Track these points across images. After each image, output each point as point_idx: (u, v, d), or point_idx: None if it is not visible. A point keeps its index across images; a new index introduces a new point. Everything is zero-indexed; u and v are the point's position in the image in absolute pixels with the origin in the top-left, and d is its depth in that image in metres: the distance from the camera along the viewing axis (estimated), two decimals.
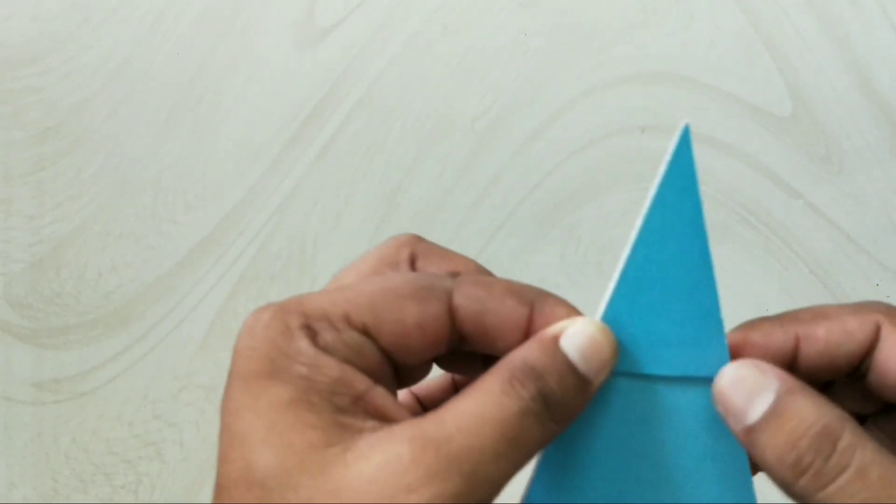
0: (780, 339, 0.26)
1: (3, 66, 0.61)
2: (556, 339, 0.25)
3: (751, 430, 0.24)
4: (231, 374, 0.24)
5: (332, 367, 0.23)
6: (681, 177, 0.26)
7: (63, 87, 0.61)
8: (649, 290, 0.26)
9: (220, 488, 0.23)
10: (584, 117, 0.57)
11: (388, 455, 0.22)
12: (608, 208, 0.56)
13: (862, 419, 0.28)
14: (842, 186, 0.55)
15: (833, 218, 0.55)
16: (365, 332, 0.25)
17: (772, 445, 0.24)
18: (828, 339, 0.26)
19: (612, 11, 0.57)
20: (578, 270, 0.56)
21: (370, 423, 0.23)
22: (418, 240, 0.29)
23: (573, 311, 0.26)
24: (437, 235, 0.58)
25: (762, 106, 0.55)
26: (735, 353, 0.26)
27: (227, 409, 0.24)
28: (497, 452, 0.23)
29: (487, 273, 0.28)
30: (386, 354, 0.25)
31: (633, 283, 0.26)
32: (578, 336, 0.25)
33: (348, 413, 0.23)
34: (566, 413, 0.24)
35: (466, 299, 0.26)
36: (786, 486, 0.24)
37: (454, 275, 0.27)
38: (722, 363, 0.26)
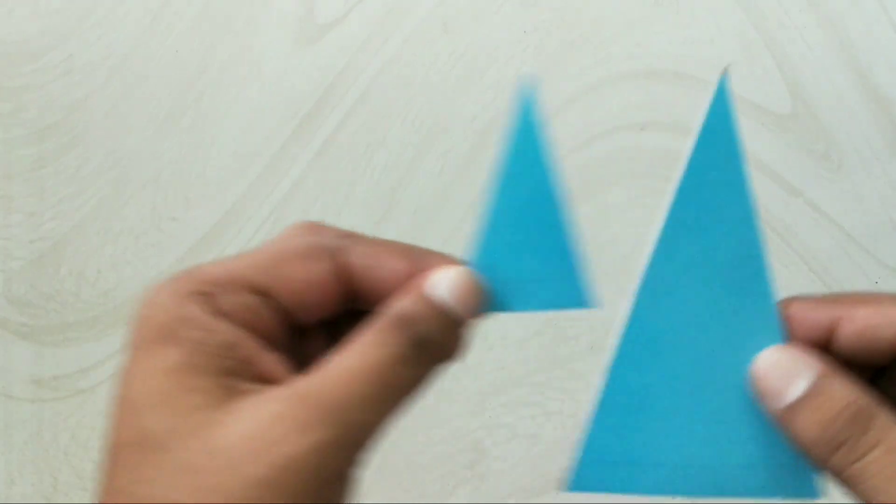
0: (819, 315, 0.27)
1: (3, 64, 0.61)
2: (428, 287, 0.26)
3: (787, 411, 0.25)
4: (127, 344, 0.25)
5: (222, 331, 0.24)
6: (526, 121, 0.27)
7: (63, 85, 0.61)
8: (510, 234, 0.27)
9: (109, 453, 0.24)
10: (583, 115, 0.57)
11: (264, 412, 0.23)
12: (608, 205, 0.56)
13: None
14: (841, 184, 0.55)
15: (832, 216, 0.55)
16: (259, 292, 0.26)
17: (808, 425, 0.25)
18: (867, 323, 0.26)
19: (611, 9, 0.57)
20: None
21: (256, 386, 0.24)
22: (317, 223, 0.29)
23: (458, 263, 0.28)
24: (437, 232, 0.58)
25: (762, 104, 0.55)
26: (790, 322, 0.27)
27: (121, 377, 0.25)
28: (370, 399, 0.24)
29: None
30: (283, 314, 0.26)
31: (494, 230, 0.28)
32: (445, 281, 0.26)
33: (235, 376, 0.24)
34: (443, 353, 0.26)
35: (357, 257, 0.27)
36: (820, 463, 0.25)
37: (347, 236, 0.28)
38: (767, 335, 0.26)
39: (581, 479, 0.27)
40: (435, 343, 0.25)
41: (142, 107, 0.60)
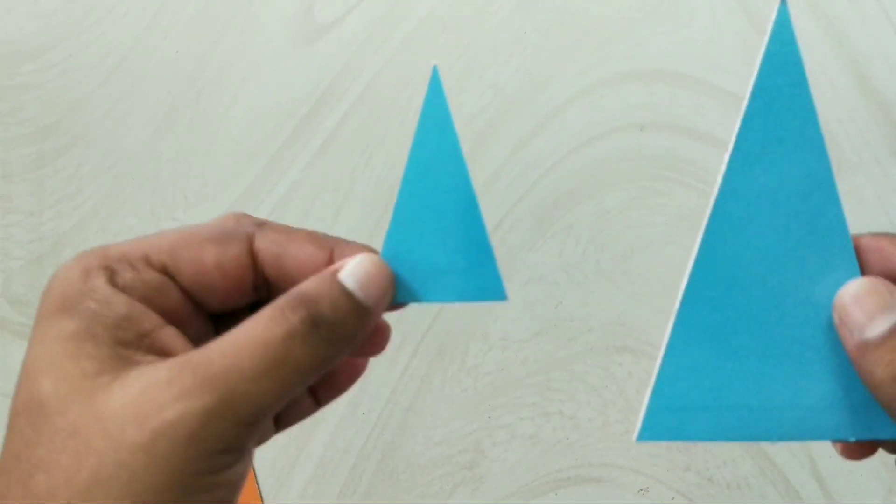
0: None
1: (2, 63, 0.61)
2: (334, 272, 0.26)
3: (866, 345, 0.25)
4: (36, 315, 0.25)
5: (121, 304, 0.25)
6: (434, 114, 0.28)
7: (62, 84, 0.61)
8: (421, 225, 0.28)
9: (9, 419, 0.24)
10: (582, 115, 0.57)
11: (149, 380, 0.23)
12: (607, 206, 0.56)
13: None
14: (840, 185, 0.55)
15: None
16: (164, 271, 0.26)
17: (885, 362, 0.24)
18: None
19: (611, 9, 0.57)
20: (577, 268, 0.56)
21: (150, 358, 0.24)
22: (244, 214, 0.30)
23: (365, 251, 0.28)
24: None
25: None
26: (862, 254, 0.26)
27: (28, 346, 0.25)
28: (257, 372, 0.24)
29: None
30: (188, 295, 0.26)
31: (405, 221, 0.28)
32: (355, 268, 0.27)
33: (130, 347, 0.24)
34: (342, 335, 0.26)
35: (266, 242, 0.27)
36: (889, 404, 0.24)
37: (261, 224, 0.28)
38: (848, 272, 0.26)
39: (652, 427, 0.27)
40: (333, 324, 0.25)
41: (141, 106, 0.60)
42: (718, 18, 0.56)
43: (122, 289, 0.25)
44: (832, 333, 0.26)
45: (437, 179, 0.28)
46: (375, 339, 0.30)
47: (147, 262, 0.26)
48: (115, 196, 0.60)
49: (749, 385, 0.26)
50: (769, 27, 0.25)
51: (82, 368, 0.23)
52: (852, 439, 0.27)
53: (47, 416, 0.23)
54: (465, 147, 0.59)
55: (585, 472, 0.56)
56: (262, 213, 0.59)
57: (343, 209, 0.58)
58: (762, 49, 0.26)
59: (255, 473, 0.57)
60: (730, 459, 0.54)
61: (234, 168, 0.59)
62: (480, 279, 0.28)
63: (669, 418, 0.27)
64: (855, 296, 0.26)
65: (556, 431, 0.56)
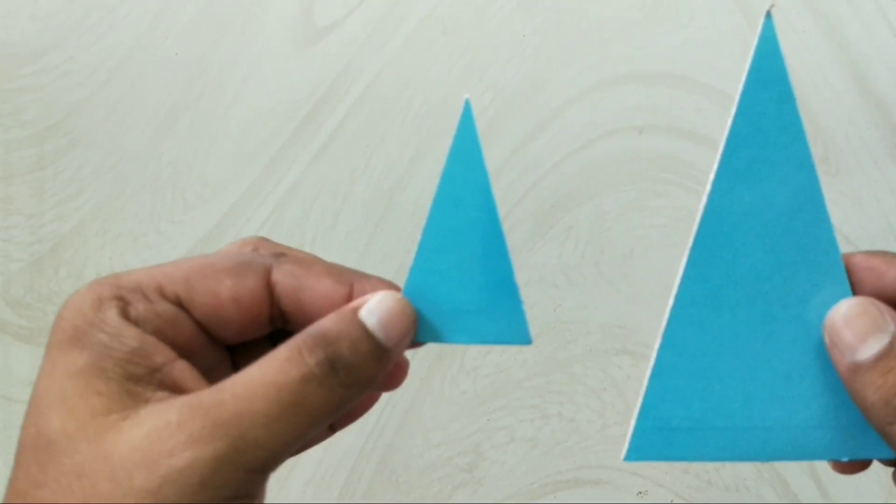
0: None
1: (2, 65, 0.61)
2: (355, 311, 0.25)
3: (858, 367, 0.24)
4: (47, 344, 0.25)
5: (132, 337, 0.24)
6: (465, 148, 0.27)
7: (62, 86, 0.61)
8: (446, 263, 0.27)
9: (16, 453, 0.24)
10: (582, 117, 0.57)
11: (159, 422, 0.22)
12: (606, 208, 0.56)
13: None
14: (839, 187, 0.55)
15: (831, 220, 0.55)
16: (178, 303, 0.25)
17: (877, 385, 0.24)
18: None
19: (610, 11, 0.57)
20: (576, 270, 0.56)
21: (160, 394, 0.23)
22: (263, 239, 0.29)
23: (392, 289, 0.27)
24: None
25: None
26: (853, 273, 0.26)
27: (37, 377, 0.24)
28: (270, 417, 0.23)
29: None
30: (201, 327, 0.26)
31: (430, 258, 0.27)
32: (377, 306, 0.26)
33: (141, 383, 0.23)
34: (361, 378, 0.25)
35: (284, 276, 0.26)
36: (881, 426, 0.24)
37: (279, 255, 0.27)
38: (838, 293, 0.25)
39: (640, 448, 0.26)
40: (352, 366, 0.24)
41: (141, 108, 0.60)
42: (718, 20, 0.56)
43: (135, 321, 0.24)
44: (822, 353, 0.26)
45: (465, 216, 0.27)
46: (394, 374, 0.29)
47: (161, 293, 0.25)
48: (115, 198, 0.60)
49: (738, 405, 0.26)
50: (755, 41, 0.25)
51: (91, 406, 0.23)
52: (844, 459, 0.26)
53: (54, 454, 0.23)
54: None
55: (584, 475, 0.56)
56: (262, 215, 0.59)
57: (343, 210, 0.58)
58: (747, 64, 0.25)
59: None
60: (728, 462, 0.54)
61: (234, 169, 0.59)
62: (505, 321, 0.27)
63: (657, 439, 0.26)
64: (846, 317, 0.25)
65: (556, 433, 0.56)
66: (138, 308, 0.25)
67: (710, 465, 0.54)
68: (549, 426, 0.56)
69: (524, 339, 0.28)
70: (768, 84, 0.26)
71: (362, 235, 0.58)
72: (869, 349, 0.24)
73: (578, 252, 0.56)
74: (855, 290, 0.26)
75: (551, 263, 0.56)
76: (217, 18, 0.60)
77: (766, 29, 0.25)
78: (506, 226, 0.58)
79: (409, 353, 0.58)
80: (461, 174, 0.27)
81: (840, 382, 0.25)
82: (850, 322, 0.25)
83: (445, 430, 0.56)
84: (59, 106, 0.61)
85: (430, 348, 0.56)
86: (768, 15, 0.25)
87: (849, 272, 0.26)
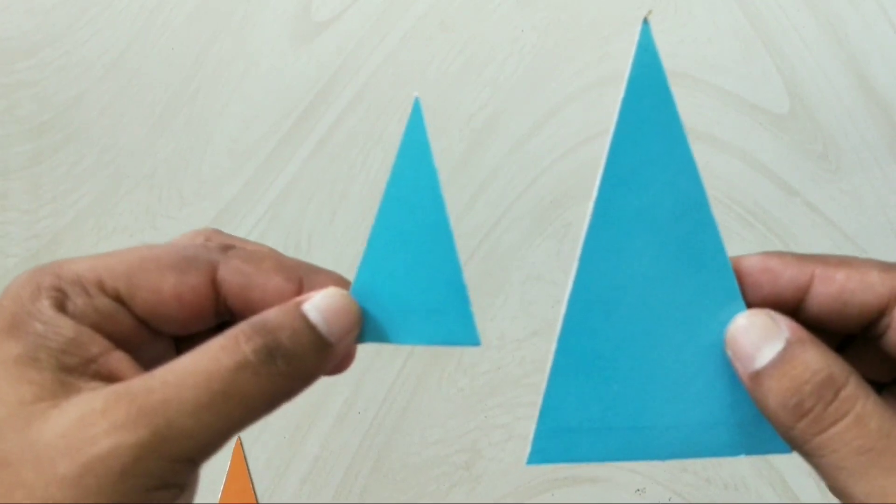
0: (795, 271, 0.26)
1: None
2: (298, 304, 0.25)
3: (757, 375, 0.25)
4: None
5: (67, 328, 0.24)
6: (414, 147, 0.27)
7: (58, 82, 0.60)
8: (394, 262, 0.27)
9: None
10: (580, 114, 0.56)
11: (85, 409, 0.22)
12: None
13: (879, 388, 0.28)
14: (839, 184, 0.55)
15: (830, 216, 0.55)
16: (118, 298, 0.25)
17: (775, 390, 0.24)
18: (844, 285, 0.26)
19: (609, 8, 0.56)
20: (574, 267, 0.56)
21: (94, 384, 0.23)
22: (215, 231, 0.28)
23: (343, 285, 0.27)
24: None
25: (760, 103, 0.55)
26: (750, 275, 0.26)
27: None
28: (199, 405, 0.22)
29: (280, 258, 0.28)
30: (143, 322, 0.25)
31: (378, 257, 0.27)
32: (321, 301, 0.25)
33: (75, 373, 0.23)
34: (300, 369, 0.24)
35: (231, 273, 0.26)
36: (784, 431, 0.24)
37: (227, 248, 0.27)
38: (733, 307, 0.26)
39: (541, 451, 0.27)
40: (291, 356, 0.24)
41: (137, 104, 0.60)
42: (716, 18, 0.55)
43: (72, 315, 0.24)
44: (715, 353, 0.26)
45: (414, 216, 0.27)
46: (341, 361, 0.28)
47: (101, 287, 0.25)
48: (111, 193, 0.60)
49: (636, 406, 0.26)
50: (633, 50, 0.25)
51: (21, 394, 0.23)
52: (743, 455, 0.27)
53: None
54: (463, 147, 0.59)
55: (582, 472, 0.55)
56: (258, 212, 0.59)
57: (340, 207, 0.58)
58: (627, 73, 0.26)
59: (249, 473, 0.57)
60: (726, 460, 0.54)
61: (230, 166, 0.59)
62: (453, 322, 0.27)
63: (558, 441, 0.27)
64: (742, 328, 0.26)
65: None
66: (76, 302, 0.24)
67: (708, 463, 0.54)
68: None
69: (472, 340, 0.27)
70: (648, 91, 0.26)
71: (359, 233, 0.58)
72: (764, 356, 0.25)
73: (576, 249, 0.56)
74: (753, 292, 0.27)
75: (549, 260, 0.56)
76: (214, 14, 0.59)
77: (644, 36, 0.25)
78: (504, 223, 0.58)
79: (405, 351, 0.58)
80: (410, 174, 0.27)
81: (736, 381, 0.26)
82: (746, 332, 0.25)
83: (443, 428, 0.56)
84: (55, 101, 0.60)
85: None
86: (645, 22, 0.25)
87: (746, 274, 0.27)
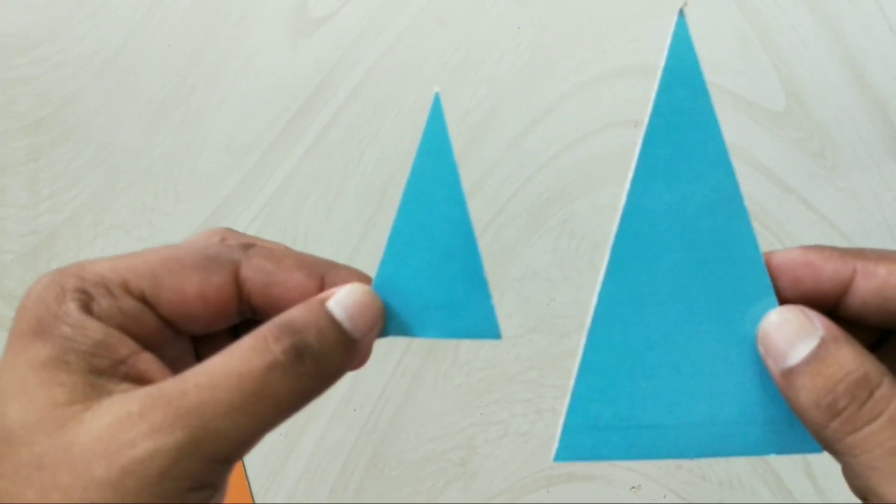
0: (838, 265, 0.26)
1: None
2: (322, 301, 0.25)
3: (790, 372, 0.24)
4: (10, 333, 0.24)
5: (96, 330, 0.24)
6: (434, 143, 0.27)
7: (55, 78, 0.60)
8: (415, 257, 0.27)
9: None
10: (577, 111, 0.56)
11: (120, 412, 0.22)
12: (601, 202, 0.56)
13: None
14: (835, 182, 0.55)
15: (826, 214, 0.55)
16: (143, 299, 0.25)
17: (808, 388, 0.24)
18: (886, 280, 0.25)
19: (606, 5, 0.56)
20: (570, 264, 0.56)
21: (124, 386, 0.23)
22: (229, 230, 0.28)
23: (364, 280, 0.27)
24: None
25: (756, 101, 0.55)
26: (791, 270, 0.26)
27: None
28: (233, 406, 0.23)
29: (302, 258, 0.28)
30: (166, 322, 0.25)
31: (399, 252, 0.27)
32: (345, 297, 0.25)
33: (105, 375, 0.23)
34: (328, 367, 0.25)
35: (253, 271, 0.26)
36: (816, 430, 0.24)
37: (248, 247, 0.27)
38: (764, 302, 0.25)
39: (568, 448, 0.27)
40: (318, 355, 0.24)
41: (134, 100, 0.60)
42: (714, 15, 0.55)
43: (98, 317, 0.24)
44: (747, 349, 0.26)
45: (435, 211, 0.27)
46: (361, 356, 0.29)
47: (126, 288, 0.25)
48: (108, 189, 0.60)
49: (666, 403, 0.26)
50: (668, 42, 0.25)
51: (53, 397, 0.23)
52: (774, 455, 0.27)
53: (13, 445, 0.22)
54: (460, 143, 0.59)
55: (578, 470, 0.55)
56: (255, 208, 0.59)
57: (336, 204, 0.58)
58: (661, 64, 0.25)
59: (245, 470, 0.57)
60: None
61: (227, 162, 0.59)
62: (475, 315, 0.27)
63: (586, 438, 0.26)
64: (775, 324, 0.25)
65: (549, 428, 0.56)
66: (102, 304, 0.24)
67: (703, 461, 0.54)
68: (542, 421, 0.56)
69: (494, 333, 0.28)
70: (683, 83, 0.26)
71: (355, 230, 0.58)
72: (798, 354, 0.24)
73: (573, 246, 0.56)
74: (794, 287, 0.26)
75: (546, 257, 0.56)
76: (211, 10, 0.59)
77: (679, 27, 0.25)
78: (501, 220, 0.58)
79: (401, 348, 0.58)
80: (431, 169, 0.27)
81: (768, 378, 0.26)
82: (779, 329, 0.25)
83: (439, 425, 0.56)
84: (53, 97, 0.60)
85: (422, 341, 0.56)
86: (681, 13, 0.25)
87: (787, 268, 0.26)
